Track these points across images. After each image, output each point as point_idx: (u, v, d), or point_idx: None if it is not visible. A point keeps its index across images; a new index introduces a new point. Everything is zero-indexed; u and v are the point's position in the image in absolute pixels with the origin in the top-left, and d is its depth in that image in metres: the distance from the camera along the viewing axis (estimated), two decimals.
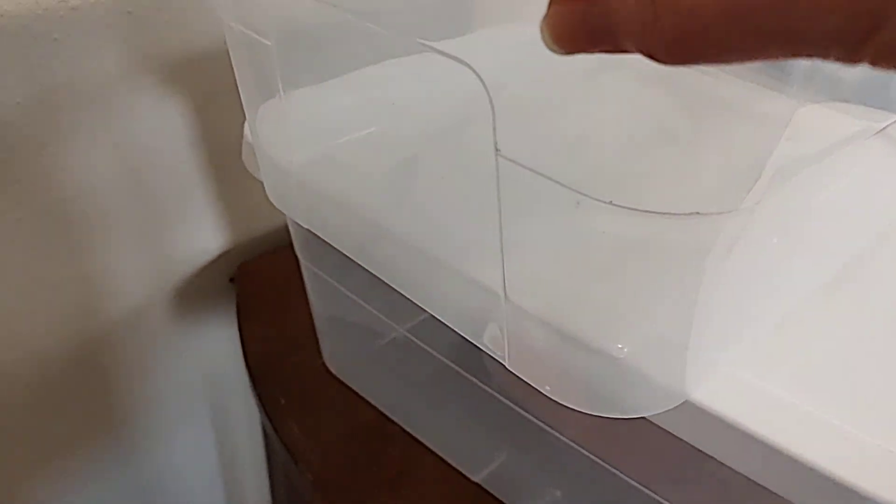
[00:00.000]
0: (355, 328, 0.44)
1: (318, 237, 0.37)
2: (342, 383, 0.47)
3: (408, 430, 0.44)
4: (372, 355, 0.45)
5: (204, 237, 0.58)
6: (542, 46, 0.17)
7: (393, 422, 0.45)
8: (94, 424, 0.59)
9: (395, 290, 0.33)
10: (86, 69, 0.46)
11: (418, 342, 0.39)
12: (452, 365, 0.38)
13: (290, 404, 0.46)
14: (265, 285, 0.56)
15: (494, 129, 0.22)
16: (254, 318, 0.53)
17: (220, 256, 0.59)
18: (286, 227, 0.44)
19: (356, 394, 0.46)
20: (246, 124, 0.40)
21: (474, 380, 0.38)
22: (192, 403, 0.65)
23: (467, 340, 0.30)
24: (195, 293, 0.60)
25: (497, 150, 0.22)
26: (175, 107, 0.51)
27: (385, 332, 0.42)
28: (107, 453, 0.60)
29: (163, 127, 0.51)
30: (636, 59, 0.15)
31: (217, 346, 0.63)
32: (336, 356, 0.47)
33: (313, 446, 0.43)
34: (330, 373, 0.48)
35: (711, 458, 0.26)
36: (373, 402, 0.46)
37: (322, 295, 0.44)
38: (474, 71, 0.21)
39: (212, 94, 0.52)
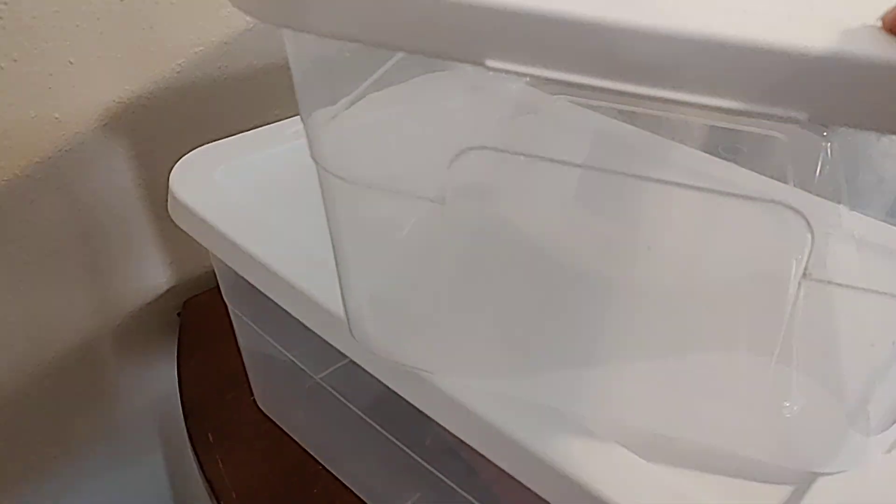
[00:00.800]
0: (280, 370, 0.46)
1: (243, 281, 0.39)
2: (272, 421, 0.49)
3: (328, 468, 0.46)
4: (295, 396, 0.47)
5: (153, 273, 0.60)
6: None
7: (316, 460, 0.46)
8: (46, 458, 0.60)
9: (314, 338, 0.35)
10: (29, 114, 0.48)
11: (332, 391, 0.41)
12: (362, 415, 0.40)
13: (218, 441, 0.48)
14: (208, 321, 0.58)
15: (810, 255, 0.23)
16: (194, 354, 0.55)
17: (169, 291, 0.61)
18: None
19: (284, 432, 0.48)
20: (172, 175, 0.42)
21: (383, 431, 0.39)
22: (145, 435, 0.66)
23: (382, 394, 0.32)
24: (145, 327, 0.61)
25: (806, 274, 0.23)
26: (120, 149, 0.53)
27: (305, 377, 0.44)
28: (59, 486, 0.62)
29: (109, 167, 0.53)
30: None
31: (168, 378, 0.65)
32: (265, 395, 0.49)
33: (235, 483, 0.45)
34: (261, 410, 0.50)
35: None
36: (298, 440, 0.47)
37: (248, 338, 0.46)
38: (803, 216, 0.22)
39: (155, 137, 0.54)
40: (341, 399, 0.40)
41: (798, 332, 0.26)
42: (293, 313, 0.36)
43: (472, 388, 0.30)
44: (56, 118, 0.49)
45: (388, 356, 0.32)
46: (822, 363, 0.30)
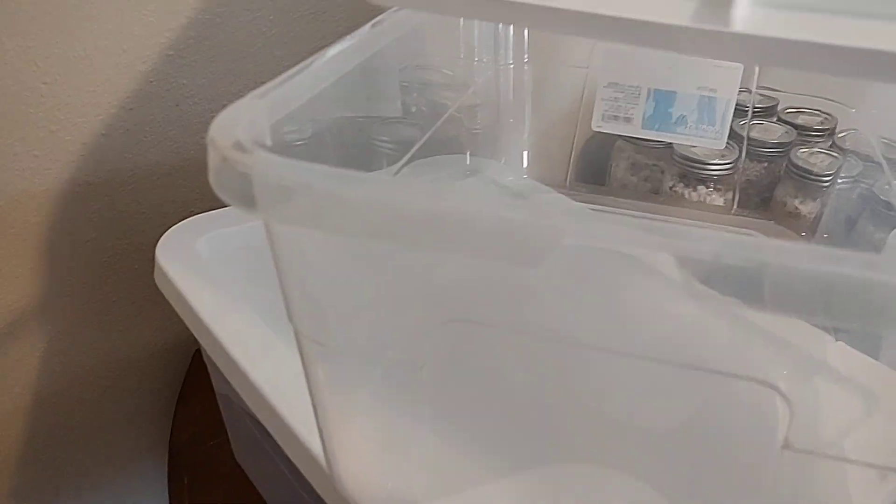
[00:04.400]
0: (241, 419, 0.50)
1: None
2: (242, 470, 0.53)
3: None
4: (255, 448, 0.51)
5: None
6: None
7: None
8: (61, 485, 0.67)
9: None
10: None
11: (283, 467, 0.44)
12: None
13: (192, 484, 0.52)
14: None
15: (789, 427, 0.24)
16: (192, 399, 0.60)
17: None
18: None
19: (250, 482, 0.52)
20: (158, 245, 0.47)
21: None
22: (148, 470, 0.72)
23: None
24: (161, 370, 0.67)
25: (787, 444, 0.24)
26: (145, 210, 0.60)
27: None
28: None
29: (131, 227, 0.60)
30: None
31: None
32: (235, 444, 0.53)
33: None
34: (235, 459, 0.54)
35: None
36: (260, 491, 0.51)
37: (218, 384, 0.50)
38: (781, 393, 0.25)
39: (176, 200, 0.61)
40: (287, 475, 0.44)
41: (782, 496, 0.27)
42: (244, 398, 0.40)
43: None
44: (88, 181, 0.56)
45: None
46: None
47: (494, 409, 0.33)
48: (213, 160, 0.23)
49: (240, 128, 0.25)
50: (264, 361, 0.39)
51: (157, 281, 0.47)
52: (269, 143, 0.28)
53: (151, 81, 0.56)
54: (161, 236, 0.49)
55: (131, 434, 0.69)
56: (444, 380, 0.30)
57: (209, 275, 0.45)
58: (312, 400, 0.31)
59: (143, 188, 0.59)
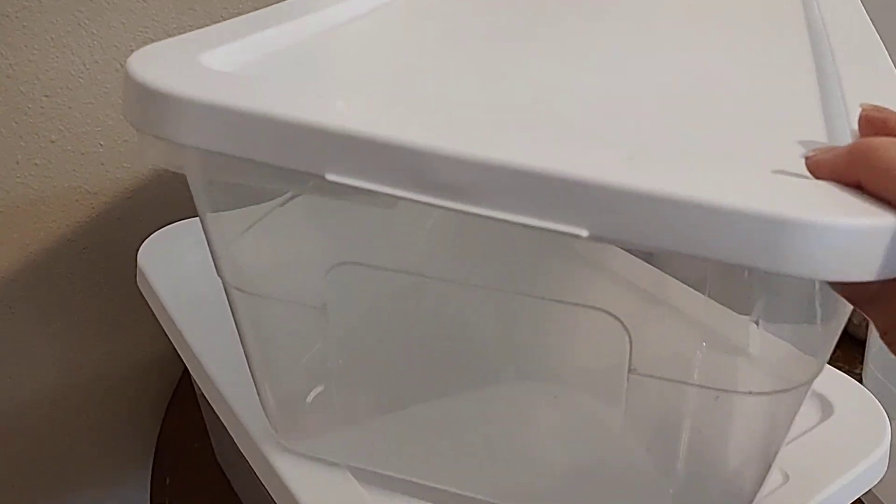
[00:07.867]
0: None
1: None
2: (223, 473, 0.55)
3: None
4: (232, 453, 0.52)
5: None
6: None
7: None
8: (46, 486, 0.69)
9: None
10: (63, 184, 0.57)
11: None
12: None
13: (173, 485, 0.54)
14: None
15: (631, 353, 0.27)
16: (181, 402, 0.62)
17: None
18: None
19: (230, 485, 0.54)
20: (140, 251, 0.49)
21: None
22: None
23: None
24: (159, 378, 0.69)
25: (631, 369, 0.27)
26: (150, 215, 0.62)
27: None
28: None
29: (135, 231, 0.62)
30: None
31: None
32: (217, 448, 0.55)
33: None
34: (218, 463, 0.55)
35: None
36: (237, 491, 0.53)
37: (201, 399, 0.52)
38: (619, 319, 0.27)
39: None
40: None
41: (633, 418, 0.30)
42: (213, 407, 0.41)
43: None
44: (86, 189, 0.58)
45: (301, 450, 0.35)
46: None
47: (392, 346, 0.36)
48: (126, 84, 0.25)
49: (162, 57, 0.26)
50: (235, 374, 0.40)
51: (139, 285, 0.49)
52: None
53: None
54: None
55: (122, 435, 0.71)
56: (345, 320, 0.32)
57: (190, 282, 0.47)
58: (245, 354, 0.34)
59: (141, 196, 0.61)
